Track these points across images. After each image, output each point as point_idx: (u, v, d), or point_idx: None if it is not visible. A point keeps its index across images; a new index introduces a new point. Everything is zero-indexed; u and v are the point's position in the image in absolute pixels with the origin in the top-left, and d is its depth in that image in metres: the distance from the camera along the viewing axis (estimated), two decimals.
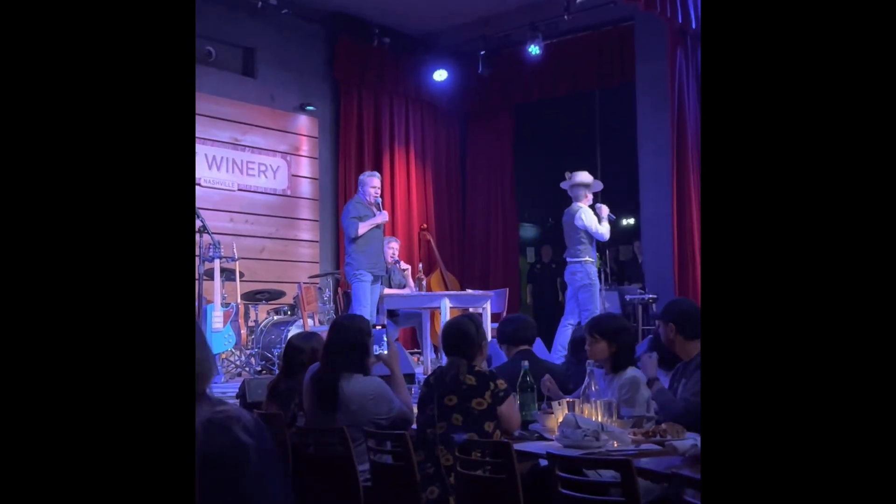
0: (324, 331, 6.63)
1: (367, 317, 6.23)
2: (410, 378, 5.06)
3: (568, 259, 6.62)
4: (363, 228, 6.41)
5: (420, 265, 7.56)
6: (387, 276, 7.00)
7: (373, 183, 6.59)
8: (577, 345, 4.13)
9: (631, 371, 3.21)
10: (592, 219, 6.50)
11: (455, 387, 2.93)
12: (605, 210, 6.61)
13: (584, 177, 6.68)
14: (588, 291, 6.49)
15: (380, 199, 6.63)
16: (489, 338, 5.15)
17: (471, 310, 7.09)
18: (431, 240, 9.37)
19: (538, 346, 5.49)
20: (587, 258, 6.51)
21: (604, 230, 6.52)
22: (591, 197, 6.69)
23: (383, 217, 6.60)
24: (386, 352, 3.35)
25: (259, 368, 6.62)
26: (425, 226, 9.51)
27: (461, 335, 3.04)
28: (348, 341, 3.19)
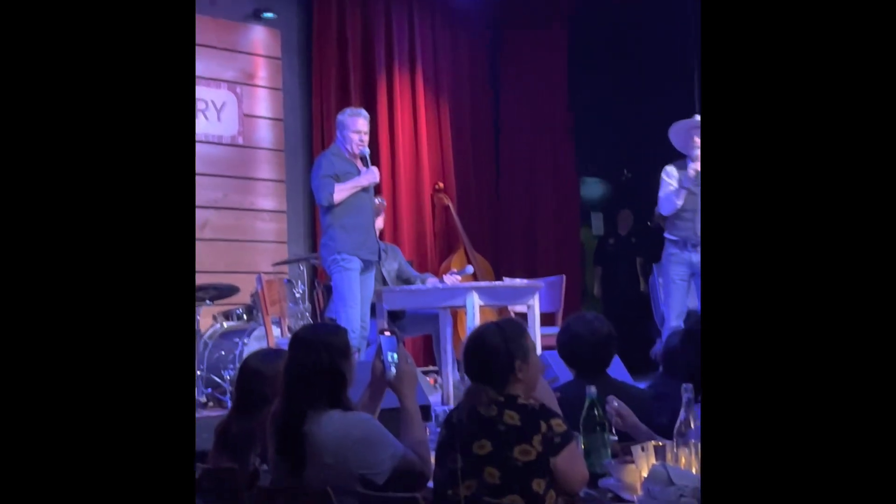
0: None
1: (354, 320, 6.25)
2: (425, 412, 5.05)
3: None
4: (342, 193, 6.39)
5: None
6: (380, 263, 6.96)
7: (357, 125, 6.52)
8: (669, 359, 4.12)
9: None
10: (667, 179, 6.85)
11: (486, 427, 2.94)
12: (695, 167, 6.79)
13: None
14: (662, 280, 6.97)
15: (367, 150, 6.58)
16: (539, 349, 5.13)
17: (511, 309, 7.06)
18: (450, 205, 9.35)
19: (616, 364, 5.47)
20: (670, 235, 6.93)
21: (663, 195, 6.84)
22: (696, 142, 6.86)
23: (372, 176, 6.54)
24: (394, 372, 3.36)
25: (203, 399, 6.67)
26: (441, 185, 9.50)
27: (479, 351, 3.07)
28: (314, 364, 3.19)
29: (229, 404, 5.79)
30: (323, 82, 9.08)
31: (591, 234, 10.97)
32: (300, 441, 3.14)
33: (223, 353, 6.85)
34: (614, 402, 3.43)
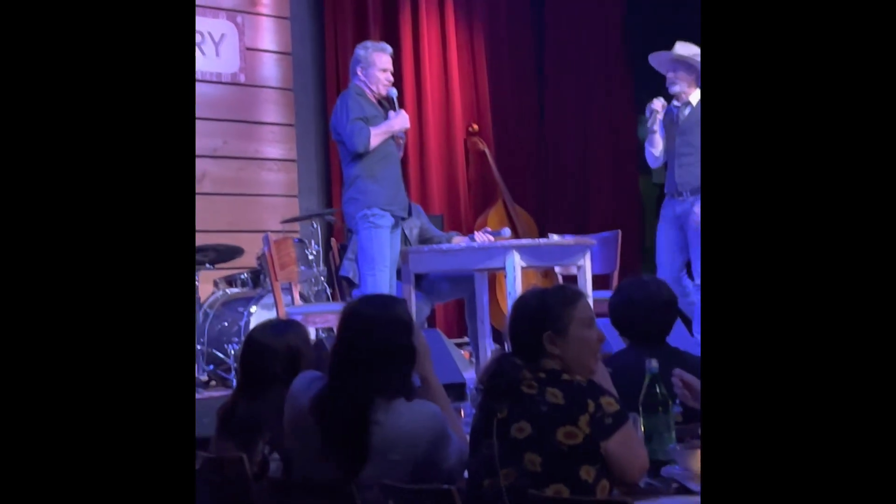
0: (310, 313, 6.61)
1: (383, 285, 6.27)
2: (460, 391, 5.06)
3: None
4: (376, 138, 6.42)
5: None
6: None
7: (382, 62, 6.55)
8: None
9: None
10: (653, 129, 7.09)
11: (526, 407, 2.95)
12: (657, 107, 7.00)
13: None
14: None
15: (395, 91, 6.61)
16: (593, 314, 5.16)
17: (558, 271, 7.05)
18: (487, 151, 9.33)
19: (677, 329, 5.48)
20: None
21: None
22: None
23: (403, 120, 6.58)
24: None
25: (205, 378, 6.73)
26: (475, 127, 9.47)
27: (512, 320, 3.13)
28: (383, 342, 3.19)
29: (234, 383, 5.86)
30: (337, 9, 9.05)
31: (652, 181, 10.89)
32: (366, 434, 3.13)
33: (226, 324, 6.91)
34: (683, 374, 3.41)
